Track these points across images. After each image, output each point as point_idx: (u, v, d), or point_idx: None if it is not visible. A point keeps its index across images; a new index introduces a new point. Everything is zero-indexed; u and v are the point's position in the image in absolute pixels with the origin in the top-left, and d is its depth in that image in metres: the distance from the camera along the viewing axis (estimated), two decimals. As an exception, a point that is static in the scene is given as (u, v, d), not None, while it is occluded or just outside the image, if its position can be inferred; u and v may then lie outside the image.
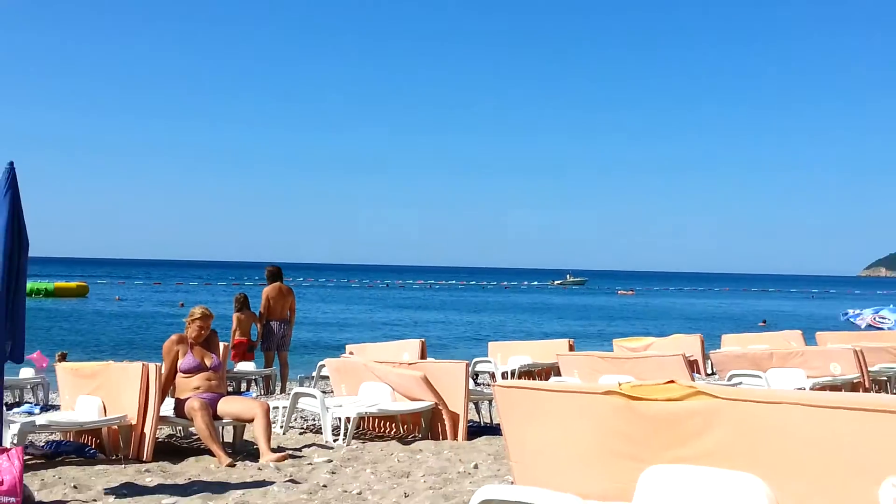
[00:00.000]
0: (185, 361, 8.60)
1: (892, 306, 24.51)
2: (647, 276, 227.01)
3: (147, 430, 8.32)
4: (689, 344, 15.34)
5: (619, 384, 4.46)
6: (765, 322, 43.68)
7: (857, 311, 23.87)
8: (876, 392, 12.58)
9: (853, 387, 12.12)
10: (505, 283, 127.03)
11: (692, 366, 12.38)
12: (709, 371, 14.50)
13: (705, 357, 15.09)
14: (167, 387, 8.63)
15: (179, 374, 8.62)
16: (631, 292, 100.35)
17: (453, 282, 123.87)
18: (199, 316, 8.79)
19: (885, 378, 13.14)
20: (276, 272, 15.08)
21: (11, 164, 6.28)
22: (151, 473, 7.54)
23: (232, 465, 7.89)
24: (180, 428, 9.48)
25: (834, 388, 11.67)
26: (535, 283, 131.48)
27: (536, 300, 75.58)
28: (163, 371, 8.51)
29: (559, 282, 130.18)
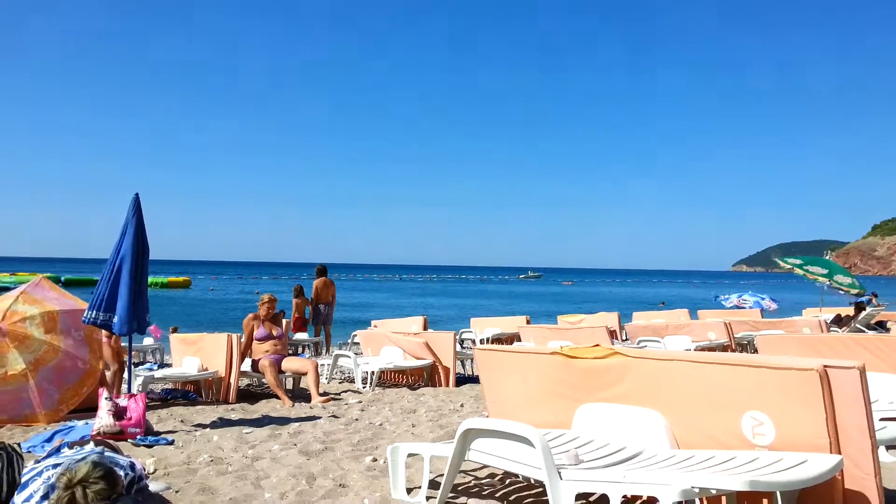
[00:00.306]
0: (258, 332, 8.56)
1: (750, 292, 24.58)
2: (583, 272, 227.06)
3: (232, 380, 8.30)
4: (610, 319, 15.34)
5: (561, 347, 4.46)
6: (663, 304, 43.55)
7: (726, 296, 23.90)
8: (739, 352, 12.62)
9: (723, 348, 12.16)
10: (484, 277, 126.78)
11: (612, 334, 12.37)
12: (624, 338, 14.47)
13: (621, 328, 15.07)
14: (246, 350, 8.58)
15: (255, 341, 8.57)
16: (571, 283, 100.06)
17: (449, 276, 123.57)
18: (267, 300, 8.73)
19: (746, 342, 13.16)
20: (322, 269, 15.02)
21: (137, 195, 6.25)
22: (235, 411, 7.52)
23: (291, 406, 7.85)
24: (255, 379, 9.45)
25: (710, 349, 11.70)
26: (507, 277, 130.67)
27: (504, 290, 75.31)
28: (242, 340, 8.49)
29: (523, 276, 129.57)
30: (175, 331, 11.84)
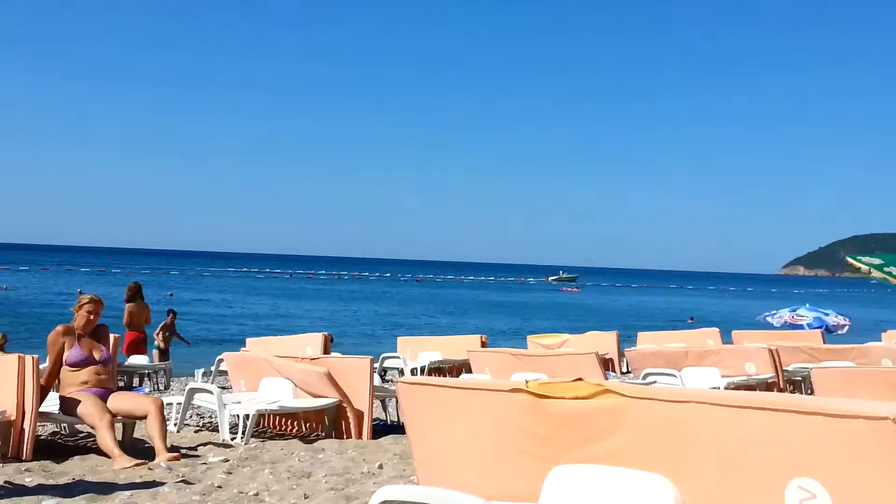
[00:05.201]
0: (71, 354, 8.34)
1: (808, 305, 25.21)
2: (621, 273, 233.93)
3: (27, 426, 8.07)
4: (605, 341, 15.51)
5: (527, 381, 4.48)
6: (692, 319, 44.43)
7: (774, 311, 24.49)
8: (790, 392, 12.86)
9: (767, 386, 12.40)
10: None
11: (607, 364, 12.56)
12: (624, 369, 14.69)
13: (621, 354, 15.27)
14: (51, 381, 8.37)
15: (65, 368, 8.36)
16: (577, 290, 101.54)
17: (463, 276, 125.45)
18: (87, 302, 8.54)
19: (800, 378, 13.41)
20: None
21: None
22: (32, 473, 7.34)
23: (128, 467, 7.60)
24: (65, 425, 9.27)
25: (748, 387, 11.93)
26: (533, 279, 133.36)
27: (481, 296, 75.60)
28: (46, 364, 8.29)
29: (553, 278, 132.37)
30: None
